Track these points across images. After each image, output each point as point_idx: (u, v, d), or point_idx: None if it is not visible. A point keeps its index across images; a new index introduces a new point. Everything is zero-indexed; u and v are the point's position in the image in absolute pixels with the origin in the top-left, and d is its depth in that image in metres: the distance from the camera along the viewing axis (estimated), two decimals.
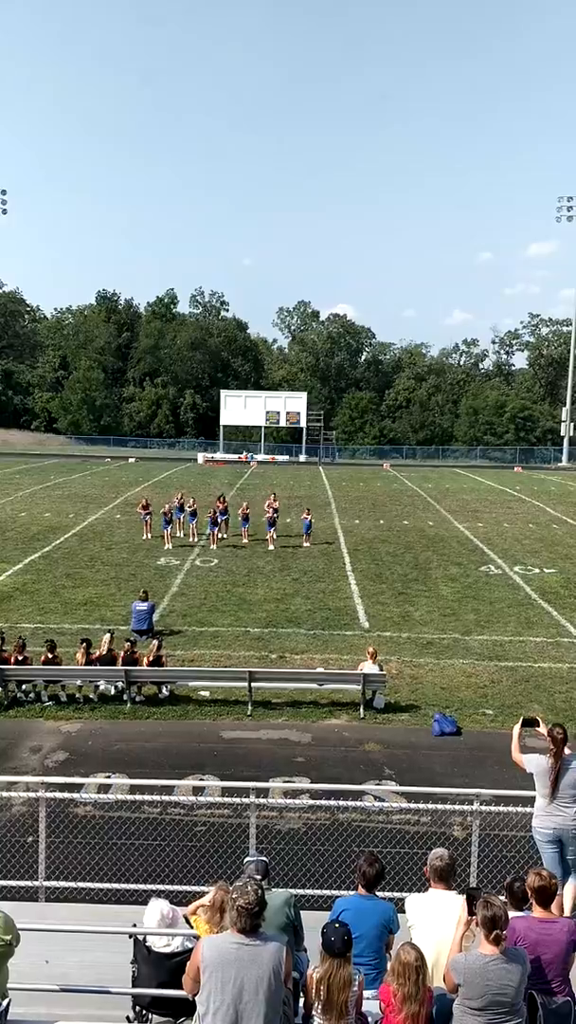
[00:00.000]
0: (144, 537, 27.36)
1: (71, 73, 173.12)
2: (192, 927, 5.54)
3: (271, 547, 26.30)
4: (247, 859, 5.76)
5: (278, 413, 73.86)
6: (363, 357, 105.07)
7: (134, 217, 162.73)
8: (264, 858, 5.82)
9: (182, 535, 27.48)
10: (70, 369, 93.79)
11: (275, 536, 26.76)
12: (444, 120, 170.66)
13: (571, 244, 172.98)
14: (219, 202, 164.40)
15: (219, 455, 69.83)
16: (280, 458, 70.40)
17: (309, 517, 27.85)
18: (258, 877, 4.95)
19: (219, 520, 27.14)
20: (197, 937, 5.23)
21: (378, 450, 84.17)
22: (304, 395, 76.31)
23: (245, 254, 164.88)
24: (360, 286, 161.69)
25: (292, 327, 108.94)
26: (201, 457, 66.72)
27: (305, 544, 26.95)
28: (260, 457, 68.71)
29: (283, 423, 75.05)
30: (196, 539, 27.26)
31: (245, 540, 27.24)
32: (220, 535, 27.04)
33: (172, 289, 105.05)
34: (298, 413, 73.42)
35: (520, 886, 5.39)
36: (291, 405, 74.04)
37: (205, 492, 35.66)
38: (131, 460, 61.40)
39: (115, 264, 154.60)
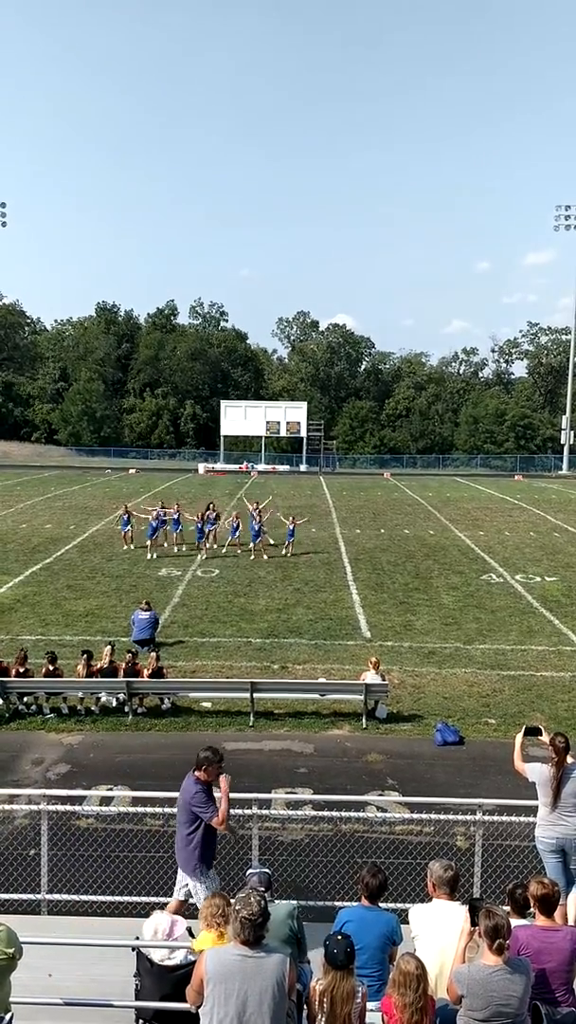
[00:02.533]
0: (124, 548, 27.24)
1: (69, 84, 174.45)
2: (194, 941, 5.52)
3: (252, 557, 26.17)
4: (249, 871, 5.76)
5: (278, 423, 74.18)
6: (363, 367, 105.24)
7: (133, 229, 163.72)
8: (267, 870, 5.83)
9: (166, 545, 27.35)
10: (70, 381, 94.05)
11: (260, 547, 26.60)
12: (442, 131, 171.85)
13: (569, 253, 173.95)
14: (218, 213, 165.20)
15: (220, 465, 70.01)
16: (281, 468, 70.59)
17: (293, 525, 27.28)
18: (261, 889, 4.95)
19: (206, 529, 27.09)
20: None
21: (378, 459, 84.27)
22: (304, 405, 76.68)
23: (244, 265, 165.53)
24: (359, 296, 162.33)
25: (291, 337, 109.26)
26: (202, 467, 66.84)
27: (284, 552, 26.55)
28: (261, 467, 68.91)
29: (283, 433, 75.35)
30: (179, 548, 27.07)
31: (233, 549, 27.12)
32: (208, 544, 27.03)
33: (172, 300, 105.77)
34: (298, 423, 73.71)
35: (522, 892, 5.38)
36: (291, 415, 74.34)
37: (206, 502, 35.64)
38: (132, 471, 61.49)
39: (115, 276, 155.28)
